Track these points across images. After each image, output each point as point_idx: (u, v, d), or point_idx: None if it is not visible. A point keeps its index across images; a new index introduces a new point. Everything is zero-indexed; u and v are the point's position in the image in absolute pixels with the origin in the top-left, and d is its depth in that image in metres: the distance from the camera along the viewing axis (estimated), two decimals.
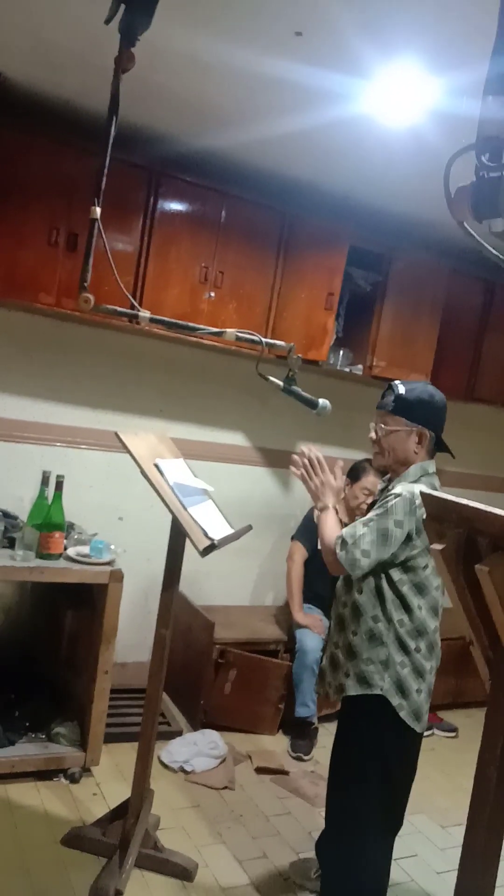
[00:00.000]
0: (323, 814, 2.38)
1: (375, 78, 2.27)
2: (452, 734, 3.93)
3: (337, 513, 2.23)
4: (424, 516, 1.35)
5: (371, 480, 3.56)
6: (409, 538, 2.05)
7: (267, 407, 3.97)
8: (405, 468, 2.18)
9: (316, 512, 2.22)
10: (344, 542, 2.04)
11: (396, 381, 2.20)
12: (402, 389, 2.17)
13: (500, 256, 0.85)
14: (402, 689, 2.09)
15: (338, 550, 2.04)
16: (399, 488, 2.09)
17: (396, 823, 2.24)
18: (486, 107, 0.79)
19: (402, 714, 2.09)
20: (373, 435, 2.22)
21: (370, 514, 2.09)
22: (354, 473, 3.68)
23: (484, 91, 0.81)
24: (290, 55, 2.22)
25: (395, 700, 2.08)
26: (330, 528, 2.15)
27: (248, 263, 3.43)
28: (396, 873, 2.27)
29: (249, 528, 2.58)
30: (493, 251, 0.84)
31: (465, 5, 1.79)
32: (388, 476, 2.32)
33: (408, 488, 2.07)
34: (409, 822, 2.26)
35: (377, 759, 2.12)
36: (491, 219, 0.79)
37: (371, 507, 2.27)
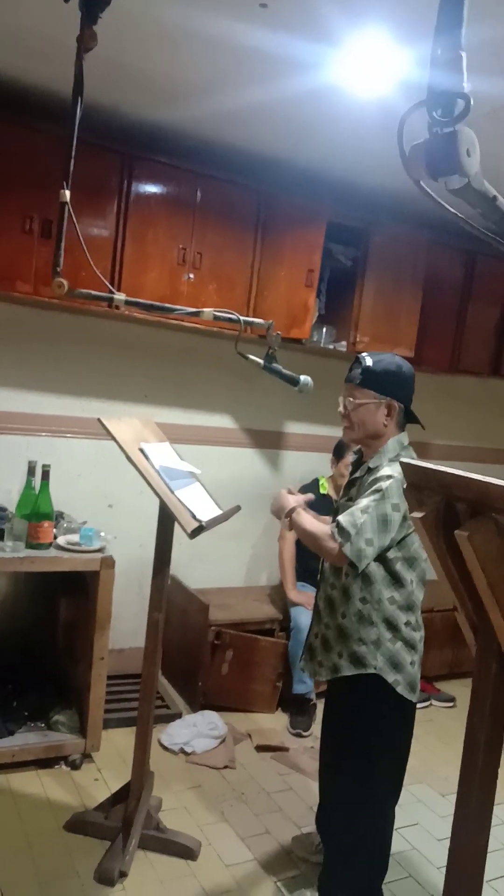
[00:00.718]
0: None
1: (344, 47, 2.24)
2: (450, 704, 3.96)
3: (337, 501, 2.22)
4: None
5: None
6: (404, 518, 2.04)
7: (253, 388, 3.96)
8: (376, 441, 2.16)
9: (284, 521, 2.15)
10: (345, 532, 1.98)
11: (364, 354, 2.18)
12: (369, 361, 2.14)
13: (459, 214, 0.84)
14: (395, 665, 2.10)
15: (341, 542, 1.98)
16: (388, 469, 2.07)
17: (397, 793, 2.26)
18: (436, 61, 0.78)
19: (399, 689, 2.10)
20: (341, 409, 2.20)
21: (367, 500, 2.03)
22: (339, 451, 3.69)
23: (433, 45, 0.79)
24: (256, 25, 2.18)
25: (391, 677, 2.09)
26: (313, 523, 2.13)
27: (226, 243, 3.40)
28: (397, 842, 2.30)
29: (238, 508, 2.57)
30: (451, 209, 0.84)
31: None
32: (359, 449, 2.31)
33: (395, 468, 2.03)
34: (410, 791, 2.29)
35: (377, 735, 2.13)
36: (446, 176, 0.78)
37: (350, 484, 2.26)
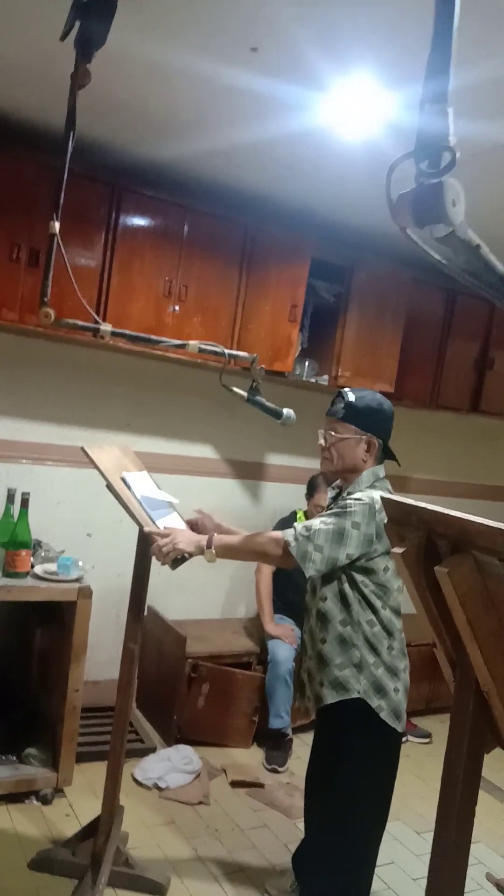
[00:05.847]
0: (299, 825, 2.36)
1: (332, 91, 2.30)
2: (426, 740, 3.95)
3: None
4: (385, 520, 1.36)
5: (323, 497, 3.61)
6: (370, 542, 2.06)
7: (235, 419, 3.98)
8: (354, 475, 2.20)
9: (209, 556, 2.13)
10: (297, 535, 2.04)
11: (346, 389, 2.23)
12: (351, 397, 2.19)
13: (443, 261, 0.87)
14: (379, 690, 2.09)
15: (291, 542, 2.03)
16: (358, 494, 2.11)
17: (380, 831, 2.23)
18: (423, 114, 0.82)
19: (383, 715, 2.09)
20: (322, 442, 2.24)
21: (327, 513, 2.10)
22: (311, 488, 3.75)
23: (421, 99, 0.83)
24: (247, 68, 2.24)
25: (375, 702, 2.08)
26: (241, 537, 2.18)
27: (212, 276, 3.44)
28: (373, 881, 2.26)
29: None
30: (436, 255, 0.87)
31: (418, 19, 1.82)
32: (337, 482, 2.34)
33: (367, 494, 2.09)
34: (386, 829, 2.26)
35: (363, 765, 2.11)
36: (432, 224, 0.82)
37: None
